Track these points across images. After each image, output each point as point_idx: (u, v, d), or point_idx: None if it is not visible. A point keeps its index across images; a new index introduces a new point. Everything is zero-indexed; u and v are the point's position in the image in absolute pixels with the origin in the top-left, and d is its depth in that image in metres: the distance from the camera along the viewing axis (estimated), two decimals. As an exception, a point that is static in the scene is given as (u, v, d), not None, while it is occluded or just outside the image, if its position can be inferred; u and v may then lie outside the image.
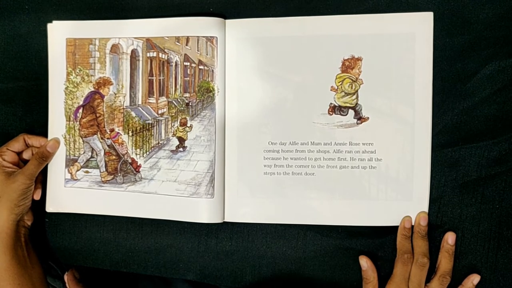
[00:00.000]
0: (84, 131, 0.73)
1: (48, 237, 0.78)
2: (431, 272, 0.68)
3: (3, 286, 0.68)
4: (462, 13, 0.67)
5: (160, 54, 0.71)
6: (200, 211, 0.70)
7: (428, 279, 0.67)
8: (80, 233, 0.77)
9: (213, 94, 0.70)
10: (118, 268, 0.77)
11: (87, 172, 0.73)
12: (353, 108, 0.68)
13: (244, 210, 0.72)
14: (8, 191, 0.68)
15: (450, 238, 0.67)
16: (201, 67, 0.70)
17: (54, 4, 0.75)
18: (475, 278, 0.67)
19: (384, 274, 0.69)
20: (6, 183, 0.68)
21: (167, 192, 0.71)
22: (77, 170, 0.73)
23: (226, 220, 0.72)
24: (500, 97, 0.67)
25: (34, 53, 0.76)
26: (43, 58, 0.75)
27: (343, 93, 0.68)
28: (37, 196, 0.73)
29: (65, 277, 0.81)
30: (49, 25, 0.74)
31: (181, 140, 0.72)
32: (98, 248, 0.77)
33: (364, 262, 0.69)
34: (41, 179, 0.74)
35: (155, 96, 0.72)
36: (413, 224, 0.68)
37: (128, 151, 0.72)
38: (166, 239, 0.75)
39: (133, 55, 0.72)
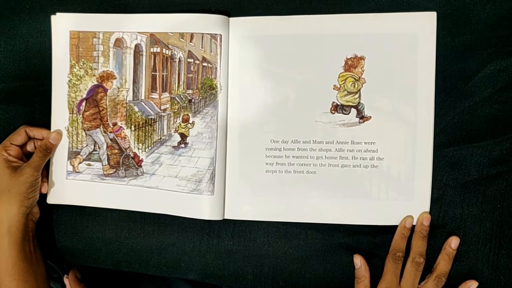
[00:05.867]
0: (87, 124, 0.82)
1: (49, 236, 0.87)
2: (426, 271, 0.76)
3: (9, 281, 0.76)
4: (464, 13, 0.75)
5: (164, 50, 0.80)
6: (200, 208, 0.79)
7: (422, 279, 0.76)
8: (82, 232, 0.86)
9: (216, 92, 0.78)
10: (119, 267, 0.86)
11: (89, 165, 0.83)
12: (356, 107, 0.77)
13: (245, 207, 0.80)
14: (17, 184, 0.77)
15: (453, 242, 0.76)
16: (204, 64, 0.78)
17: (55, 3, 0.83)
18: (472, 285, 0.76)
19: (385, 274, 0.78)
20: (14, 176, 0.77)
21: (168, 188, 0.80)
22: (80, 163, 0.83)
23: (227, 217, 0.80)
24: (502, 96, 0.75)
25: (35, 53, 0.84)
26: (45, 57, 0.84)
27: (345, 92, 0.77)
28: (44, 189, 0.82)
29: (65, 280, 0.88)
30: (52, 17, 0.82)
31: (183, 137, 0.80)
32: (99, 247, 0.86)
33: (358, 260, 0.77)
34: (46, 173, 0.83)
35: (158, 92, 0.81)
36: (413, 224, 0.77)
37: (131, 145, 0.82)
38: (168, 238, 0.84)
39: (137, 50, 0.81)
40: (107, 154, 0.83)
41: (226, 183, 0.81)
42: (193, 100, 0.80)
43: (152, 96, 0.82)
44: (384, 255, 0.78)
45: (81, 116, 0.83)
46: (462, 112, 0.77)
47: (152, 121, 0.82)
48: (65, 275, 0.89)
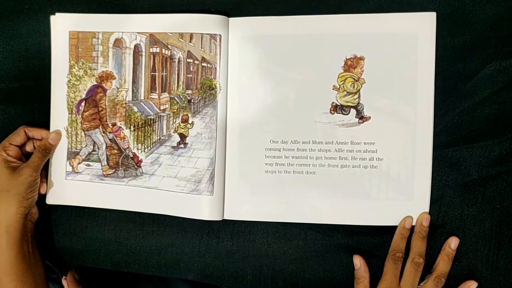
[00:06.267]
0: (86, 124, 0.82)
1: (48, 237, 0.87)
2: (426, 272, 0.76)
3: (7, 282, 0.76)
4: (463, 13, 0.75)
5: (163, 50, 0.80)
6: (200, 208, 0.79)
7: (421, 279, 0.76)
8: (81, 233, 0.86)
9: (215, 92, 0.78)
10: (119, 268, 0.86)
11: (88, 165, 0.83)
12: (355, 107, 0.77)
13: (244, 208, 0.80)
14: (16, 184, 0.77)
15: (453, 243, 0.76)
16: (204, 64, 0.79)
17: (54, 3, 0.84)
18: (471, 285, 0.77)
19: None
20: (13, 177, 0.77)
21: (167, 188, 0.81)
22: (79, 163, 0.83)
23: (226, 217, 0.80)
24: (501, 97, 0.75)
25: (35, 53, 0.85)
26: (44, 57, 0.84)
27: (345, 92, 0.77)
28: (43, 190, 0.83)
29: (63, 282, 0.88)
30: (52, 17, 0.82)
31: (182, 137, 0.81)
32: (99, 248, 0.86)
33: (358, 261, 0.78)
34: (45, 174, 0.84)
35: (157, 92, 0.81)
36: (413, 224, 0.77)
37: (130, 145, 0.82)
38: (167, 239, 0.84)
39: (136, 50, 0.81)
40: (106, 155, 0.84)
41: (225, 183, 0.81)
42: (192, 100, 0.81)
43: (152, 97, 0.82)
44: (384, 255, 0.79)
45: (80, 116, 0.83)
46: (461, 113, 0.77)
47: (152, 121, 0.82)
48: (63, 277, 0.89)
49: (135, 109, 0.83)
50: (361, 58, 0.77)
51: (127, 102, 0.83)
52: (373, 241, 0.80)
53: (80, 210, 0.86)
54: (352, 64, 0.78)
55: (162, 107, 0.82)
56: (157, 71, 0.82)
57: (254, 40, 0.79)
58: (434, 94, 0.77)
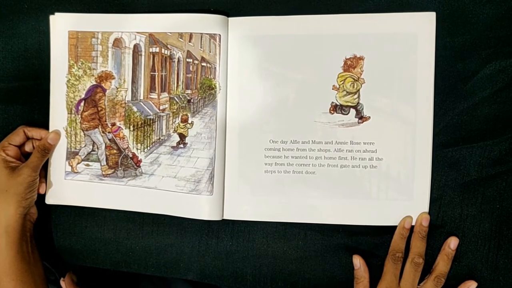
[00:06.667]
0: (85, 124, 0.82)
1: (48, 237, 0.87)
2: (426, 272, 0.77)
3: (6, 282, 0.76)
4: (463, 13, 0.75)
5: (163, 50, 0.80)
6: (199, 208, 0.79)
7: (421, 279, 0.76)
8: (81, 233, 0.86)
9: (215, 92, 0.78)
10: (118, 268, 0.86)
11: (87, 165, 0.83)
12: (355, 107, 0.77)
13: (244, 208, 0.80)
14: (15, 184, 0.77)
15: (452, 243, 0.76)
16: (203, 64, 0.79)
17: (53, 3, 0.84)
18: (471, 285, 0.77)
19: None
20: (12, 177, 0.77)
21: (167, 188, 0.81)
22: (78, 163, 0.83)
23: (226, 217, 0.80)
24: (501, 97, 0.75)
25: (34, 53, 0.85)
26: (43, 57, 0.84)
27: (344, 92, 0.77)
28: (42, 190, 0.82)
29: (62, 283, 0.88)
30: (51, 17, 0.82)
31: (182, 137, 0.81)
32: (98, 248, 0.86)
33: (357, 261, 0.78)
34: (44, 174, 0.84)
35: (157, 92, 0.81)
36: (413, 224, 0.77)
37: (129, 145, 0.82)
38: (167, 239, 0.84)
39: (136, 50, 0.81)
40: (106, 155, 0.84)
41: (225, 183, 0.81)
42: (192, 100, 0.81)
43: (151, 96, 0.82)
44: (384, 255, 0.79)
45: (79, 116, 0.83)
46: (461, 113, 0.77)
47: (151, 121, 0.82)
48: (62, 278, 0.89)
49: (135, 109, 0.83)
50: (361, 58, 0.77)
51: (126, 102, 0.83)
52: (373, 241, 0.80)
53: (79, 210, 0.86)
54: (351, 64, 0.78)
55: (161, 107, 0.82)
56: (156, 71, 0.82)
57: (254, 40, 0.79)
58: (433, 94, 0.76)
